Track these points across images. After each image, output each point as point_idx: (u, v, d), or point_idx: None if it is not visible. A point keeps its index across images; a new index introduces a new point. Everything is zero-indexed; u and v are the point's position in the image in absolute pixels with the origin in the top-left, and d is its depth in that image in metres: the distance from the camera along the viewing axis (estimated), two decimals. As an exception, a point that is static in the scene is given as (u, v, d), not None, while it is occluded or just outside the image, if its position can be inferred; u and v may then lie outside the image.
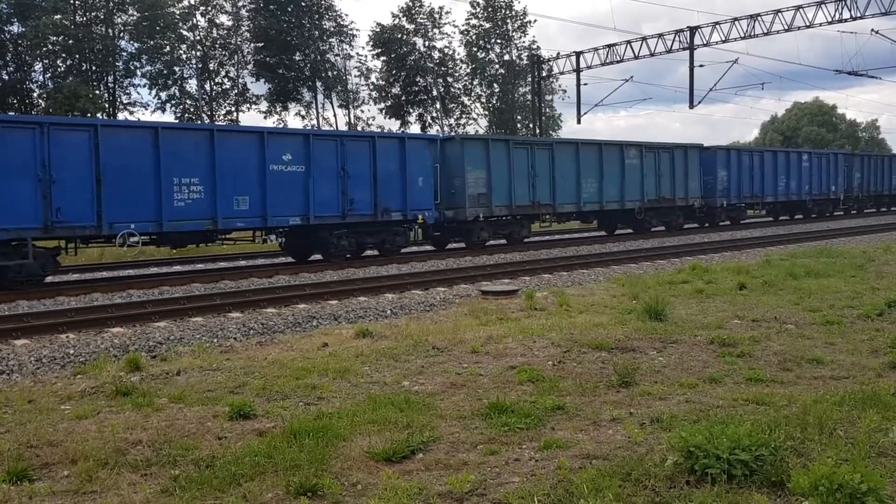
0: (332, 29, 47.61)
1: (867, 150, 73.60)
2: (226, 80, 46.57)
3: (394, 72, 50.32)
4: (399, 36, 49.85)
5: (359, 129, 46.92)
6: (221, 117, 45.59)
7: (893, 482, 3.72)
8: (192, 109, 44.33)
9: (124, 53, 42.15)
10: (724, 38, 34.30)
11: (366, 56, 52.23)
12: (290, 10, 45.30)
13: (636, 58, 37.31)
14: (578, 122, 44.74)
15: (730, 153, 31.80)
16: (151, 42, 42.03)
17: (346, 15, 76.13)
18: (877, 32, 33.03)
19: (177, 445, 4.69)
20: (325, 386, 6.18)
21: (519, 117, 54.19)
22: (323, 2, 46.74)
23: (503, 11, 53.23)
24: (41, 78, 40.88)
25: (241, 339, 9.72)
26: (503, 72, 53.47)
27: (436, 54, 51.34)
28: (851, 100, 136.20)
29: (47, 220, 14.08)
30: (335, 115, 50.48)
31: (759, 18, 33.40)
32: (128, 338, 9.69)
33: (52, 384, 6.72)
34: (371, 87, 50.39)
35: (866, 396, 5.14)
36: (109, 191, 14.74)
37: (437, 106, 51.44)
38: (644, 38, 37.18)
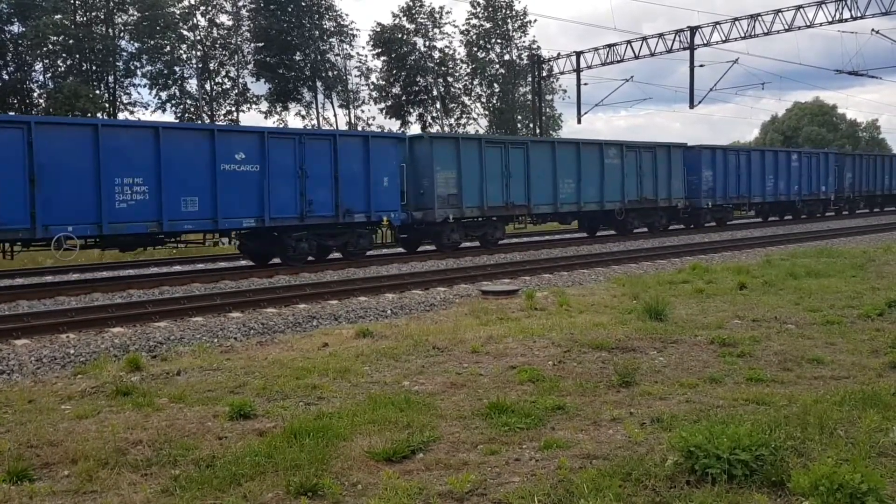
0: (332, 29, 47.66)
1: (859, 149, 73.59)
2: (226, 79, 46.65)
3: (394, 72, 50.35)
4: (399, 36, 49.88)
5: (359, 128, 46.92)
6: (222, 117, 45.65)
7: (894, 482, 3.72)
8: (192, 109, 44.35)
9: (124, 53, 42.23)
10: (724, 38, 34.32)
11: (366, 56, 52.37)
12: (290, 9, 45.33)
13: (636, 58, 37.33)
14: (579, 121, 44.83)
15: (715, 153, 30.85)
16: (152, 42, 42.07)
17: (347, 15, 76.31)
18: (877, 32, 33.05)
19: (177, 445, 4.69)
20: (325, 386, 6.18)
21: (519, 117, 54.24)
22: (323, 2, 46.79)
23: (503, 11, 53.28)
24: (41, 78, 40.97)
25: (241, 338, 9.72)
26: (503, 72, 53.51)
27: (436, 54, 51.41)
28: (852, 100, 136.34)
29: None
30: (335, 115, 50.56)
31: (759, 18, 33.42)
32: (128, 338, 9.69)
33: (53, 384, 6.73)
34: (371, 86, 50.48)
35: (867, 396, 5.14)
36: (44, 191, 14.00)
37: (438, 106, 51.46)
38: (644, 38, 37.20)
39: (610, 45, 38.19)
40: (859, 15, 30.98)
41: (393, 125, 50.27)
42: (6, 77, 39.57)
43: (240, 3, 45.70)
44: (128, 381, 6.49)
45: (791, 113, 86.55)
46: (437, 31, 51.43)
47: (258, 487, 3.98)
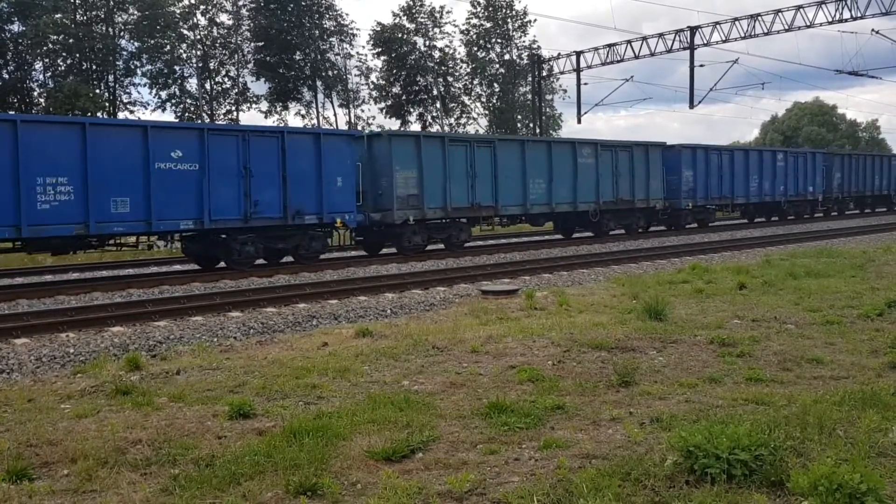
0: (332, 28, 47.67)
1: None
2: (226, 79, 46.66)
3: (394, 71, 50.36)
4: (399, 35, 49.88)
5: (359, 128, 46.91)
6: (221, 117, 45.66)
7: (893, 482, 3.72)
8: (192, 109, 44.36)
9: (125, 52, 42.25)
10: (724, 38, 34.32)
11: (366, 55, 52.35)
12: (290, 9, 45.33)
13: (636, 57, 37.33)
14: (579, 121, 44.83)
15: (696, 152, 29.75)
16: (152, 41, 42.09)
17: (347, 14, 76.31)
18: (877, 32, 33.05)
19: (176, 444, 4.69)
20: (324, 385, 6.19)
21: (519, 117, 54.25)
22: (323, 1, 46.78)
23: (503, 11, 53.29)
24: (41, 77, 41.01)
25: (240, 338, 9.72)
26: (503, 71, 53.51)
27: (436, 54, 51.42)
28: (852, 100, 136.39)
29: None
30: (335, 115, 50.59)
31: (759, 18, 33.42)
32: (128, 337, 9.69)
33: (52, 383, 6.73)
34: (371, 86, 50.49)
35: (866, 396, 5.14)
36: None
37: (438, 105, 51.46)
38: (644, 38, 37.20)
39: (610, 45, 38.20)
40: (859, 15, 30.99)
41: (393, 125, 50.35)
42: (6, 76, 39.58)
43: (240, 3, 45.76)
44: (127, 380, 6.49)
45: (791, 113, 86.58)
46: (437, 30, 51.52)
47: (257, 487, 3.98)
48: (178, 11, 43.48)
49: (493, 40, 53.46)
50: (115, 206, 14.92)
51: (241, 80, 46.79)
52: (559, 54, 41.99)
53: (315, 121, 47.67)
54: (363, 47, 57.23)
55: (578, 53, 40.01)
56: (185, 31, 44.25)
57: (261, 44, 45.97)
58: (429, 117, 51.50)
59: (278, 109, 47.69)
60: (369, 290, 13.43)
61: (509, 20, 53.55)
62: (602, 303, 10.53)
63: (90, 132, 14.64)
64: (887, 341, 7.16)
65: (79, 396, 6.12)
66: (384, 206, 19.49)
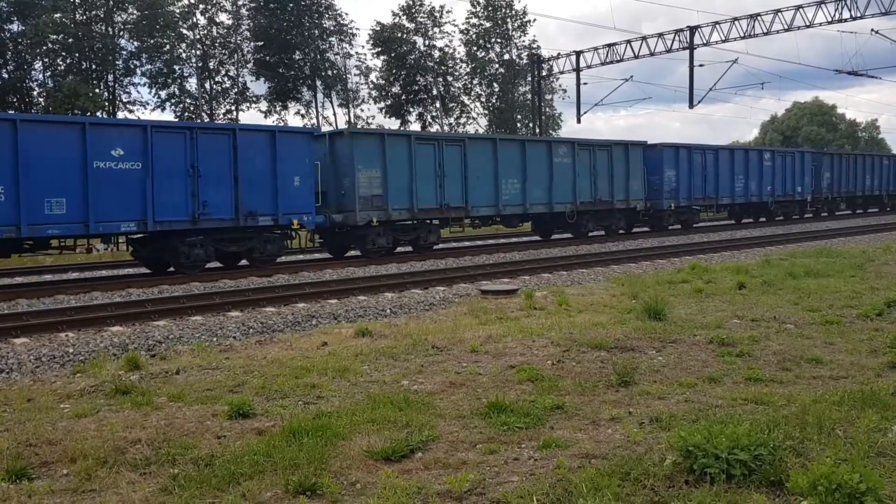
0: (331, 28, 47.66)
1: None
2: (225, 78, 46.65)
3: (394, 71, 50.36)
4: (399, 35, 49.87)
5: (358, 127, 46.90)
6: (221, 116, 45.65)
7: (892, 482, 3.72)
8: (191, 108, 44.36)
9: (124, 52, 42.23)
10: (723, 38, 34.33)
11: (366, 55, 52.37)
12: (290, 8, 45.33)
13: (636, 57, 37.34)
14: (578, 121, 44.79)
15: (678, 151, 28.85)
16: (151, 41, 42.09)
17: (346, 14, 76.32)
18: (877, 32, 33.05)
19: (176, 444, 4.69)
20: (324, 385, 6.19)
21: (519, 116, 54.26)
22: (323, 1, 46.77)
23: (503, 11, 53.30)
24: (41, 76, 41.02)
25: (240, 338, 9.72)
26: (503, 71, 53.50)
27: (436, 53, 51.41)
28: (851, 100, 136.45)
29: None
30: (335, 114, 50.62)
31: (758, 18, 33.43)
32: (127, 336, 9.69)
33: (52, 383, 6.73)
34: (371, 86, 50.50)
35: (865, 396, 5.15)
36: None
37: (437, 105, 51.46)
38: (644, 38, 37.21)
39: (609, 45, 38.21)
40: (859, 15, 31.00)
41: (393, 124, 50.37)
42: (6, 76, 39.58)
43: (239, 2, 45.77)
44: (127, 379, 6.49)
45: (790, 113, 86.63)
46: (436, 30, 51.52)
47: (257, 486, 3.98)
48: (177, 11, 43.49)
49: (493, 40, 53.48)
50: (49, 208, 14.13)
51: (240, 79, 46.85)
52: (559, 54, 42.06)
53: (315, 120, 47.72)
54: (363, 47, 57.35)
55: (578, 53, 40.02)
56: (185, 31, 44.28)
57: (260, 43, 45.97)
58: (428, 117, 51.55)
59: (278, 109, 47.76)
60: (369, 289, 13.43)
61: (509, 20, 53.57)
62: (601, 302, 10.54)
63: (22, 129, 13.94)
64: (886, 341, 7.16)
65: (78, 396, 6.12)
66: (346, 206, 18.84)
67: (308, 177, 17.76)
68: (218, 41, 45.81)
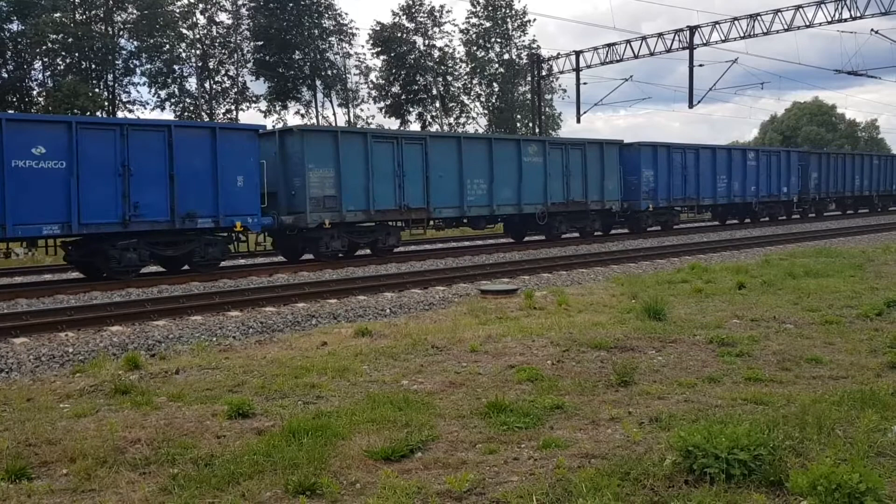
0: (331, 28, 47.65)
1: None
2: (225, 78, 46.64)
3: (393, 70, 50.35)
4: (399, 34, 49.87)
5: (358, 126, 46.89)
6: (221, 116, 45.63)
7: (892, 482, 3.72)
8: (191, 108, 44.35)
9: (124, 51, 42.20)
10: (723, 38, 34.31)
11: (365, 55, 52.36)
12: (289, 8, 45.31)
13: (636, 57, 37.32)
14: (578, 121, 44.75)
15: (657, 150, 27.77)
16: (151, 40, 42.07)
17: (346, 14, 76.22)
18: (876, 32, 33.04)
19: (175, 444, 4.69)
20: (323, 385, 6.19)
21: (518, 116, 54.25)
22: (323, 0, 46.76)
23: (503, 10, 53.29)
24: (41, 76, 41.00)
25: (240, 337, 9.73)
26: (503, 71, 53.50)
27: (436, 53, 51.40)
28: (851, 99, 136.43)
29: None
30: (335, 114, 50.62)
31: (758, 18, 33.42)
32: (127, 336, 9.69)
33: (51, 382, 6.73)
34: (371, 85, 50.49)
35: (865, 396, 5.15)
36: None
37: (437, 105, 51.45)
38: (644, 38, 37.19)
39: (609, 45, 38.19)
40: (859, 15, 30.98)
41: (392, 124, 50.37)
42: (5, 75, 39.57)
43: (239, 2, 45.75)
44: (126, 379, 6.48)
45: (790, 113, 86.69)
46: (436, 30, 51.49)
47: (257, 486, 3.98)
48: (177, 11, 43.47)
49: (493, 40, 53.46)
50: None
51: (240, 79, 46.84)
52: (558, 54, 42.03)
53: (314, 120, 47.69)
54: (362, 47, 57.29)
55: (578, 53, 40.01)
56: (185, 31, 44.26)
57: (260, 43, 45.95)
58: (428, 117, 51.54)
59: (277, 109, 47.77)
60: (368, 289, 13.43)
61: (509, 20, 53.56)
62: (601, 302, 10.54)
63: None
64: (886, 341, 7.16)
65: (78, 396, 6.12)
66: (297, 208, 17.88)
67: (252, 176, 16.80)
68: (218, 41, 45.81)
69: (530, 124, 50.81)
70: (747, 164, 31.95)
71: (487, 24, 53.16)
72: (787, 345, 7.31)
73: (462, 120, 53.09)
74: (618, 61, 38.20)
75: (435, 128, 50.15)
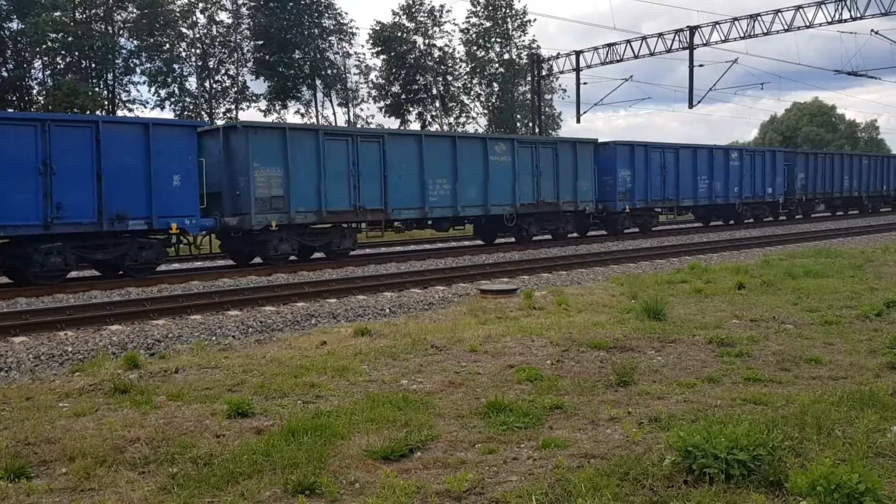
0: (331, 27, 47.65)
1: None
2: (225, 77, 46.61)
3: (393, 70, 50.33)
4: (399, 34, 49.86)
5: (358, 126, 46.88)
6: (221, 115, 45.63)
7: (891, 482, 3.72)
8: (191, 107, 44.34)
9: (124, 51, 42.16)
10: (723, 38, 34.31)
11: (365, 54, 52.36)
12: (289, 7, 45.30)
13: (636, 57, 37.32)
14: (578, 121, 44.68)
15: (634, 149, 26.87)
16: (151, 39, 42.04)
17: (346, 13, 76.11)
18: (876, 33, 33.04)
19: (175, 443, 4.69)
20: (323, 384, 6.18)
21: (518, 116, 54.23)
22: (323, 0, 46.75)
23: (503, 10, 53.24)
24: (41, 75, 40.96)
25: (239, 337, 9.72)
26: (503, 71, 53.48)
27: (436, 53, 51.39)
28: (851, 100, 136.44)
29: None
30: (335, 114, 50.66)
31: (758, 18, 33.42)
32: (126, 335, 9.69)
33: (51, 381, 6.72)
34: (371, 85, 50.49)
35: (864, 397, 5.15)
36: None
37: (437, 104, 51.45)
38: (644, 38, 37.19)
39: (609, 45, 38.19)
40: (859, 15, 30.98)
41: (392, 123, 50.32)
42: (5, 74, 39.55)
43: (239, 1, 45.70)
44: (126, 378, 6.48)
45: (790, 113, 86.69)
46: (436, 29, 51.46)
47: (256, 486, 3.98)
48: (177, 10, 43.44)
49: (493, 39, 53.42)
50: None
51: (240, 78, 46.79)
52: (559, 54, 42.02)
53: (314, 119, 47.70)
54: (362, 46, 57.25)
55: (578, 53, 40.01)
56: (185, 30, 44.21)
57: (260, 42, 45.92)
58: (428, 116, 51.54)
59: (277, 108, 47.75)
60: (368, 289, 13.43)
61: (509, 19, 53.51)
62: (601, 302, 10.54)
63: None
64: (886, 341, 7.16)
65: (77, 395, 6.12)
66: (242, 208, 17.02)
67: (191, 175, 15.84)
68: (218, 40, 45.76)
69: (530, 124, 50.80)
70: (730, 164, 31.18)
71: (487, 24, 53.12)
72: (786, 345, 7.31)
73: (462, 120, 53.12)
74: (618, 61, 38.22)
75: (435, 127, 50.14)
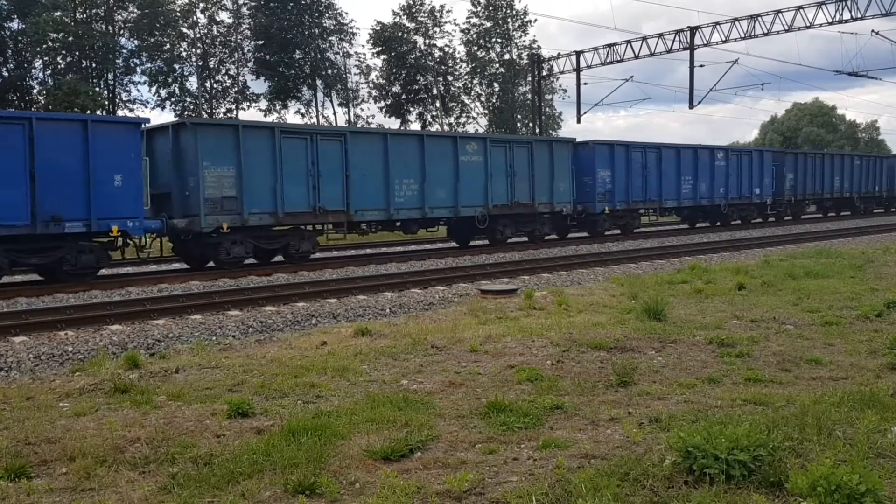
0: (332, 27, 47.67)
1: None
2: (226, 77, 46.63)
3: (394, 70, 50.34)
4: (399, 34, 49.87)
5: (358, 126, 46.89)
6: (222, 115, 45.62)
7: (892, 483, 3.72)
8: (191, 107, 44.36)
9: (124, 50, 42.17)
10: (724, 39, 34.30)
11: (366, 54, 52.38)
12: (290, 7, 45.31)
13: (636, 57, 37.31)
14: (578, 121, 44.67)
15: (614, 149, 26.08)
16: (151, 39, 42.05)
17: (346, 13, 76.15)
18: (877, 33, 33.04)
19: (175, 443, 4.69)
20: (323, 384, 6.18)
21: (519, 116, 54.24)
22: (323, 0, 46.77)
23: (504, 10, 53.24)
24: (41, 75, 40.95)
25: (239, 337, 9.72)
26: (503, 71, 53.49)
27: (436, 53, 51.40)
28: (851, 100, 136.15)
29: None
30: (335, 114, 50.66)
31: (759, 19, 33.41)
32: (126, 335, 9.69)
33: (51, 381, 6.72)
34: (371, 85, 50.51)
35: (865, 397, 5.15)
36: None
37: (438, 105, 51.45)
38: (644, 38, 37.19)
39: (610, 45, 38.18)
40: (859, 16, 30.97)
41: (393, 124, 50.32)
42: (6, 74, 39.56)
43: (240, 1, 45.72)
44: (126, 378, 6.48)
45: (790, 114, 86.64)
46: (437, 29, 51.47)
47: (256, 486, 3.98)
48: (177, 10, 43.45)
49: (493, 40, 53.41)
50: None
51: (240, 78, 46.80)
52: (559, 54, 42.01)
53: (315, 119, 47.71)
54: (363, 46, 57.28)
55: (578, 53, 40.01)
56: (185, 30, 44.22)
57: (261, 42, 45.94)
58: (428, 116, 51.56)
59: (278, 108, 47.77)
60: (368, 289, 13.44)
61: (509, 20, 53.51)
62: (601, 303, 10.54)
63: None
64: (886, 342, 7.16)
65: (77, 395, 6.12)
66: (191, 210, 16.21)
67: (134, 175, 15.00)
68: (218, 40, 45.78)
69: (531, 124, 50.79)
70: (715, 164, 30.36)
71: (488, 24, 53.12)
72: (786, 346, 7.31)
73: (462, 120, 53.14)
74: (618, 62, 38.21)
75: (435, 127, 50.15)
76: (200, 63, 44.64)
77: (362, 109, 54.82)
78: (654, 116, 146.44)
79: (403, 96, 50.80)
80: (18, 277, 16.17)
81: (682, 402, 5.41)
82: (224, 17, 45.72)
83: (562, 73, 42.17)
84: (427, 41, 51.13)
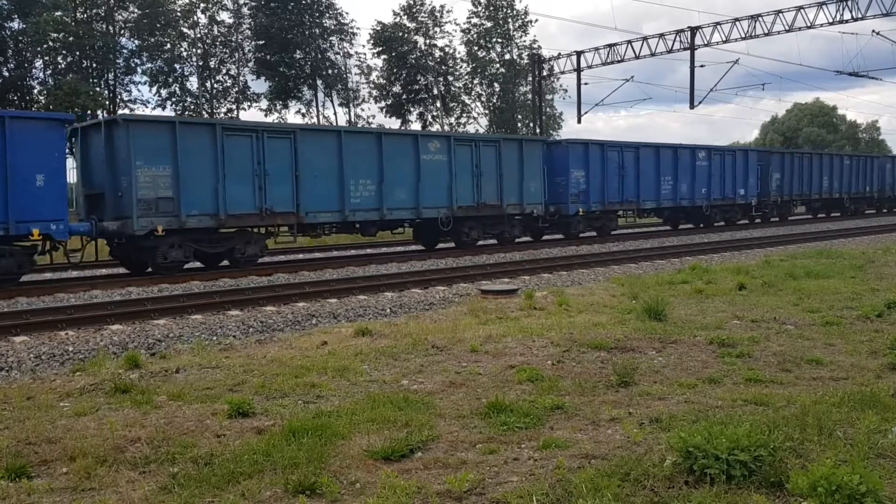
0: (332, 27, 47.69)
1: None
2: (226, 77, 46.65)
3: (394, 70, 50.36)
4: (400, 34, 49.88)
5: (359, 126, 46.89)
6: (222, 115, 45.64)
7: (892, 483, 3.72)
8: (192, 107, 44.38)
9: (125, 50, 42.21)
10: (724, 39, 34.31)
11: (366, 54, 52.40)
12: (290, 7, 45.34)
13: (637, 57, 37.31)
14: (579, 121, 44.72)
15: (588, 148, 25.12)
16: (152, 39, 42.07)
17: (347, 13, 76.22)
18: (878, 33, 33.04)
19: (175, 443, 4.69)
20: (324, 384, 6.18)
21: (519, 116, 54.25)
22: (324, 0, 46.79)
23: (504, 10, 53.27)
24: (42, 75, 40.98)
25: (240, 337, 9.72)
26: (504, 71, 53.50)
27: (437, 53, 51.42)
28: (852, 101, 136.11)
29: None
30: (335, 114, 50.62)
31: (760, 19, 33.41)
32: (127, 335, 9.69)
33: (51, 381, 6.72)
34: (372, 85, 50.52)
35: (865, 397, 5.14)
36: None
37: (438, 105, 51.46)
38: (645, 38, 37.19)
39: (610, 45, 38.18)
40: (860, 16, 30.98)
41: (393, 124, 50.34)
42: (6, 74, 39.58)
43: (241, 1, 45.75)
44: (126, 378, 6.48)
45: (791, 114, 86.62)
46: (437, 29, 51.49)
47: (256, 485, 3.98)
48: (178, 9, 43.48)
49: (494, 40, 53.43)
50: None
51: (241, 78, 46.82)
52: (559, 54, 42.04)
53: (315, 119, 47.72)
54: (363, 46, 57.34)
55: (579, 53, 40.01)
56: (186, 30, 44.25)
57: (261, 42, 45.96)
58: (429, 116, 51.59)
59: (278, 108, 47.79)
60: (369, 289, 13.44)
61: (510, 20, 53.53)
62: (601, 303, 10.53)
63: None
64: (887, 342, 7.15)
65: (78, 394, 6.12)
66: (124, 211, 15.35)
67: (58, 175, 14.17)
68: (219, 40, 45.80)
69: (531, 124, 50.80)
70: (697, 164, 29.41)
71: (489, 24, 53.13)
72: (787, 346, 7.31)
73: (463, 120, 53.17)
74: (619, 62, 38.22)
75: (436, 127, 50.16)
76: (201, 63, 44.67)
77: (363, 110, 54.93)
78: (655, 116, 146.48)
79: (404, 96, 50.83)
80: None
81: (683, 403, 5.41)
82: (224, 17, 45.79)
83: (562, 73, 42.20)
84: (427, 41, 51.19)
